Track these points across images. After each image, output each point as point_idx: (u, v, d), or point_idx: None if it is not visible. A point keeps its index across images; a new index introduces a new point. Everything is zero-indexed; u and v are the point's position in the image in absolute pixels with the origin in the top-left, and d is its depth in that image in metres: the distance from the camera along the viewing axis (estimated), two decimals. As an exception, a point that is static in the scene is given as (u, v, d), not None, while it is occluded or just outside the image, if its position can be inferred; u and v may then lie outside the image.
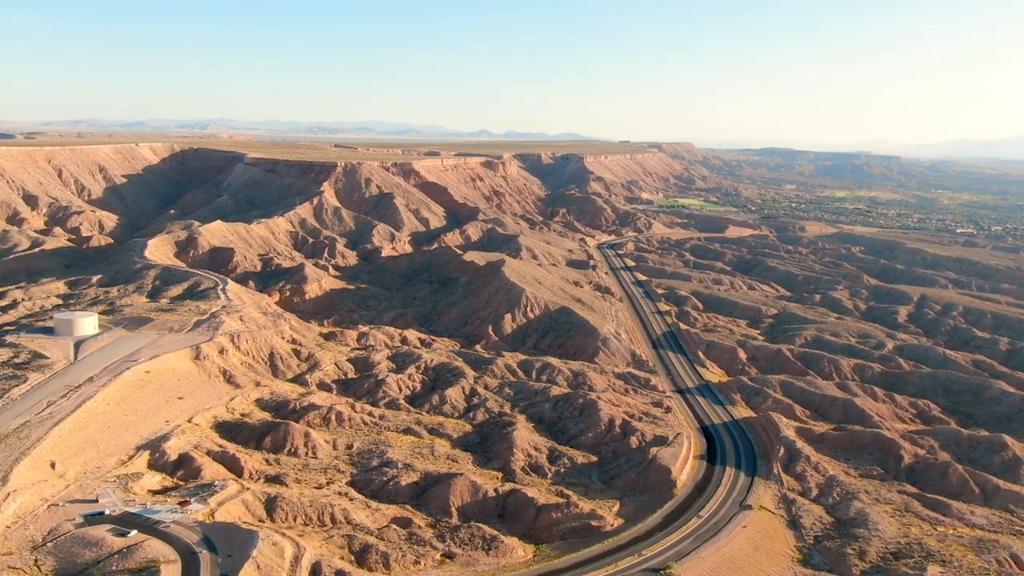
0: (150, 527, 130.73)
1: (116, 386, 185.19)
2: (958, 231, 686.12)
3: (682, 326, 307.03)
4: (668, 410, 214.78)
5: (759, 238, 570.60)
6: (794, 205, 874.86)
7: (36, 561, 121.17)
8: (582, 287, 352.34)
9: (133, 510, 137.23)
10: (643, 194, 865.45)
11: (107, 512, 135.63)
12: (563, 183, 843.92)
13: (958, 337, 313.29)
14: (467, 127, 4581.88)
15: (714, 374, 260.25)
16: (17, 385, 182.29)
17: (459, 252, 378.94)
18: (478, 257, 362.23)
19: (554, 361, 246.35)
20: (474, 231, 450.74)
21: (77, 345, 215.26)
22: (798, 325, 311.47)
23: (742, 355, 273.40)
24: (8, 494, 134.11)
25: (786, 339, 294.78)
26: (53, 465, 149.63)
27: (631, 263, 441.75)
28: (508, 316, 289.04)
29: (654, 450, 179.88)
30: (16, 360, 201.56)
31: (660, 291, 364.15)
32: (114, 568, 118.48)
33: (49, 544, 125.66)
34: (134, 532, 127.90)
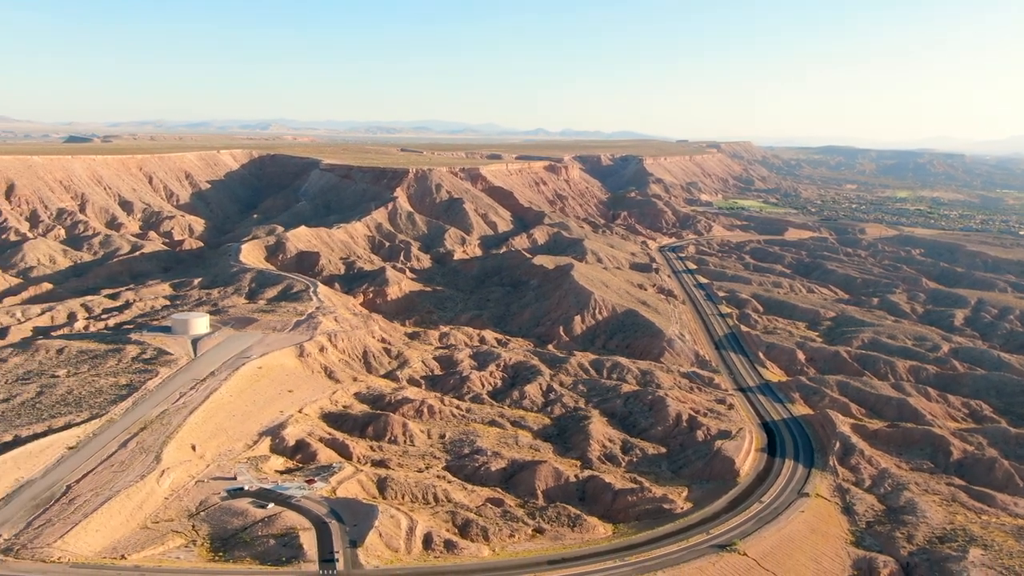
0: (284, 501, 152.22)
1: (235, 380, 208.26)
2: (1021, 232, 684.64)
3: (743, 328, 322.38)
4: (731, 407, 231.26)
5: (818, 241, 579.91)
6: (854, 206, 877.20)
7: (194, 527, 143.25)
8: (646, 290, 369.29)
9: (267, 486, 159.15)
10: (702, 195, 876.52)
11: (246, 488, 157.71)
12: (623, 185, 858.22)
13: (1014, 340, 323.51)
14: (523, 126, 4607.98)
15: (774, 374, 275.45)
16: (151, 378, 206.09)
17: (528, 256, 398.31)
18: (547, 261, 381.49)
19: (623, 361, 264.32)
20: (540, 235, 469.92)
21: (194, 342, 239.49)
22: (856, 328, 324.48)
23: (801, 356, 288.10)
24: (163, 471, 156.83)
25: (844, 341, 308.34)
26: (194, 447, 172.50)
27: (692, 266, 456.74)
28: (578, 318, 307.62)
29: (719, 443, 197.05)
30: (144, 356, 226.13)
31: (721, 294, 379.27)
32: (260, 534, 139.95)
33: (202, 513, 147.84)
34: (271, 505, 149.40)
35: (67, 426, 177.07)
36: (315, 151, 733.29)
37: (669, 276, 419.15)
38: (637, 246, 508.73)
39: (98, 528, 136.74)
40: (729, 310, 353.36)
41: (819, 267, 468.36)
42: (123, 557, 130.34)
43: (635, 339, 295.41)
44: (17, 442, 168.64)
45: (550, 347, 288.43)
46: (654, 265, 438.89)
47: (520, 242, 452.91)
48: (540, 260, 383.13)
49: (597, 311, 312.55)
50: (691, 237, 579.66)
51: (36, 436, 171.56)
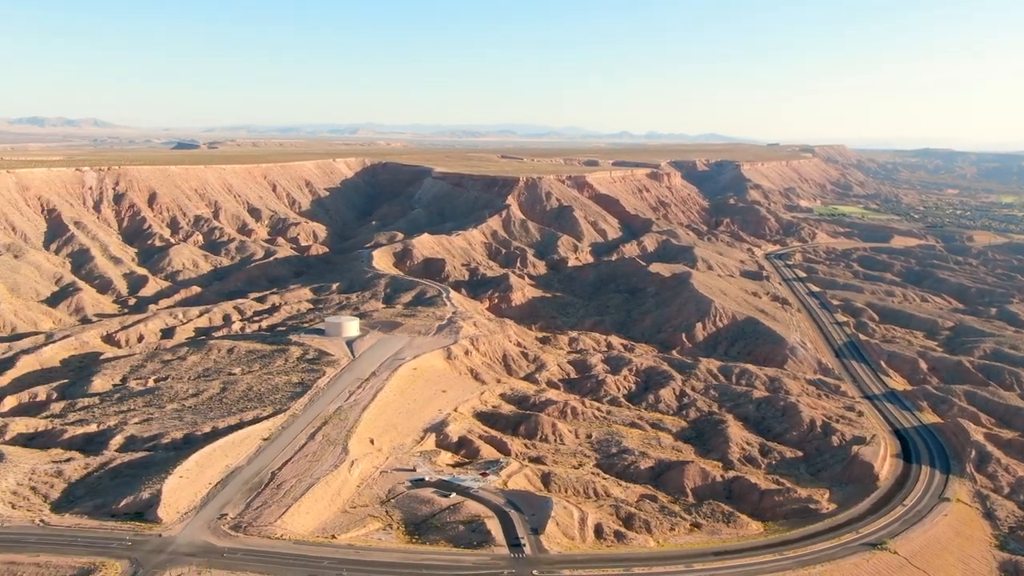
0: (463, 491, 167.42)
1: (395, 380, 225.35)
2: None
3: (862, 337, 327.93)
4: (860, 414, 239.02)
5: (926, 248, 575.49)
6: (959, 212, 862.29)
7: (387, 512, 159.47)
8: (760, 298, 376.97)
9: (445, 478, 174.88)
10: (801, 201, 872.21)
11: (426, 479, 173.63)
12: (720, 191, 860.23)
13: None
14: (607, 128, 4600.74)
15: (897, 383, 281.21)
16: (319, 377, 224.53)
17: (643, 264, 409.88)
18: (663, 269, 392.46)
19: (751, 367, 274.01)
20: (650, 242, 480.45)
21: (349, 344, 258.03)
22: (976, 338, 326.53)
23: (923, 365, 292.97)
24: (352, 462, 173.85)
25: (965, 351, 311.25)
26: (372, 441, 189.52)
27: (802, 274, 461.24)
28: (699, 325, 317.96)
29: (856, 448, 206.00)
30: (307, 356, 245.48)
31: (835, 302, 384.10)
32: (448, 520, 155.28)
33: (392, 500, 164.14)
34: (453, 494, 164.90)
35: (255, 420, 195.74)
36: (421, 158, 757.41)
37: (780, 284, 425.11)
38: (744, 253, 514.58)
39: (307, 511, 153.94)
40: (845, 319, 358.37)
41: (930, 276, 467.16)
42: (333, 537, 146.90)
43: (757, 346, 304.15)
44: (216, 433, 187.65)
45: (673, 353, 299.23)
46: (764, 273, 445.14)
47: (630, 249, 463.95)
48: (656, 268, 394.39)
49: (718, 318, 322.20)
50: (796, 244, 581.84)
51: (231, 428, 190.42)
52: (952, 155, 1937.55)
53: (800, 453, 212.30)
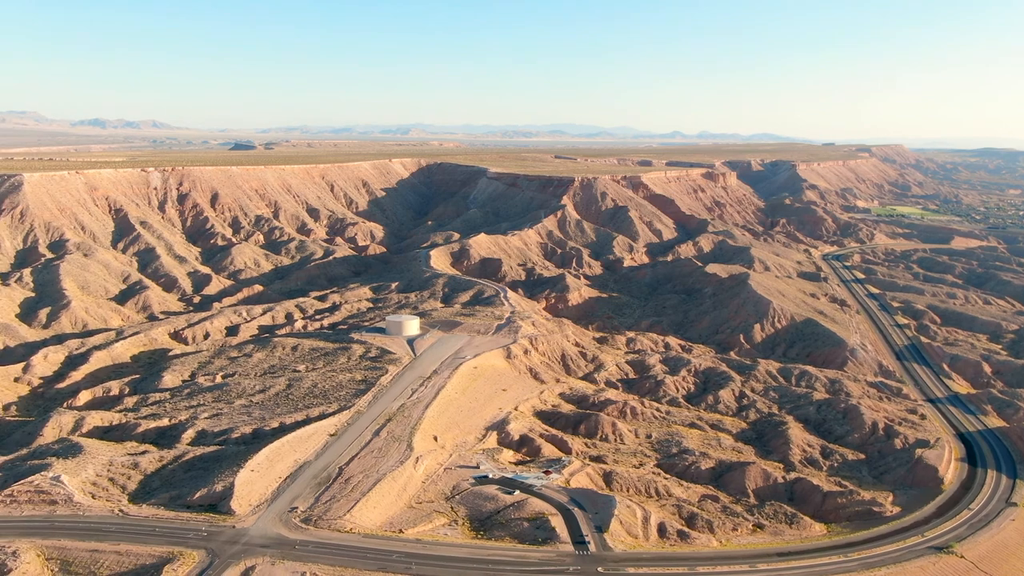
0: (527, 489, 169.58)
1: (457, 379, 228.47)
2: None
3: (923, 339, 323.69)
4: (923, 417, 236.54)
5: (988, 250, 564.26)
6: (1022, 213, 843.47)
7: (452, 508, 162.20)
8: (819, 299, 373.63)
9: (508, 475, 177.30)
10: (858, 202, 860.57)
11: (490, 476, 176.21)
12: (775, 191, 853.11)
13: None
14: (658, 129, 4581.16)
15: (960, 386, 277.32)
16: (383, 375, 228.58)
17: (699, 264, 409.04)
18: (719, 269, 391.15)
19: (811, 369, 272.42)
20: (706, 243, 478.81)
21: (409, 343, 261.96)
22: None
23: (987, 369, 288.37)
24: (417, 458, 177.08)
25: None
26: (435, 438, 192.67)
27: (860, 275, 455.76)
28: (757, 326, 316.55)
29: (919, 451, 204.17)
30: (370, 355, 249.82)
31: (895, 304, 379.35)
32: (513, 516, 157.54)
33: (457, 496, 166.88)
34: (517, 492, 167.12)
35: (321, 416, 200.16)
36: (475, 158, 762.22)
37: (839, 285, 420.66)
38: (801, 254, 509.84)
39: (375, 505, 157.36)
40: (906, 321, 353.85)
41: (992, 278, 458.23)
42: (401, 531, 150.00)
43: (816, 348, 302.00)
44: (283, 429, 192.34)
45: (731, 354, 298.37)
46: (822, 274, 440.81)
47: (686, 250, 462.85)
48: (713, 269, 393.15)
49: (776, 320, 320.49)
50: (853, 245, 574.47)
51: (298, 424, 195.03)
52: (1015, 155, 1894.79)
53: (862, 456, 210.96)
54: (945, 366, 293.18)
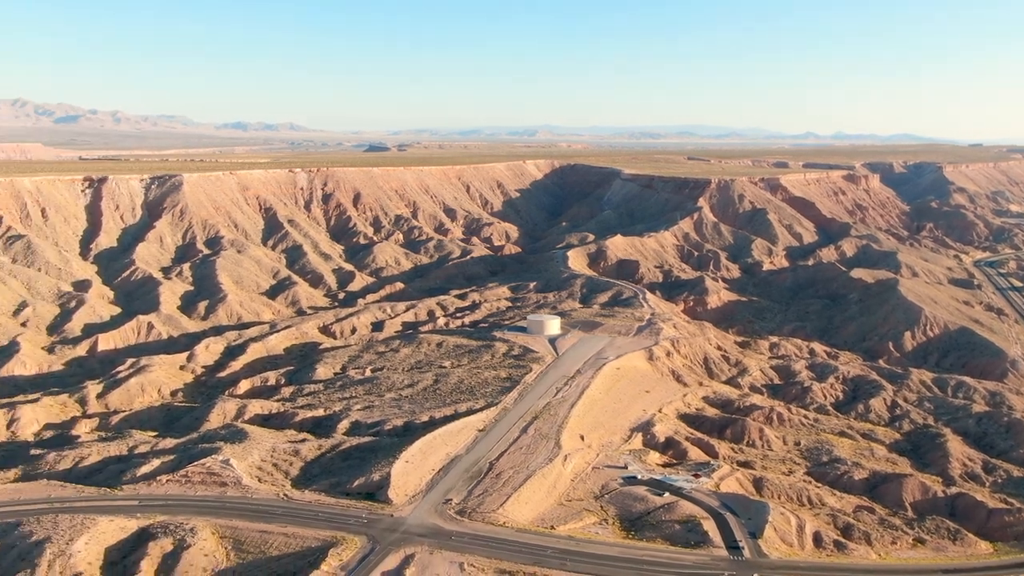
0: (676, 491, 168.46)
1: (600, 379, 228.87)
2: None
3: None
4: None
5: None
6: None
7: (602, 507, 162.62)
8: (973, 307, 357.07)
9: (657, 477, 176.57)
10: (1012, 206, 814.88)
11: (638, 477, 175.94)
12: (919, 194, 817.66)
13: None
14: (790, 129, 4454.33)
15: None
16: (527, 373, 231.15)
17: (843, 269, 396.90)
18: (865, 275, 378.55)
19: (968, 380, 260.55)
20: (848, 247, 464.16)
21: (552, 342, 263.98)
22: None
23: None
24: (566, 456, 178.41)
25: None
26: (582, 437, 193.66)
27: (1018, 283, 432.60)
28: (908, 334, 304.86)
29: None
30: (513, 353, 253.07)
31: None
32: (663, 518, 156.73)
33: (606, 496, 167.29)
34: (667, 494, 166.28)
35: (469, 411, 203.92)
36: (607, 160, 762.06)
37: (994, 293, 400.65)
38: (951, 260, 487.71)
39: (526, 501, 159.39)
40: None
41: None
42: (552, 528, 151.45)
43: (972, 359, 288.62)
44: (433, 423, 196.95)
45: (880, 362, 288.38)
46: (975, 281, 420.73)
47: (828, 254, 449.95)
48: (858, 274, 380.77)
49: (928, 328, 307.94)
50: (1008, 251, 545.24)
51: (447, 419, 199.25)
52: None
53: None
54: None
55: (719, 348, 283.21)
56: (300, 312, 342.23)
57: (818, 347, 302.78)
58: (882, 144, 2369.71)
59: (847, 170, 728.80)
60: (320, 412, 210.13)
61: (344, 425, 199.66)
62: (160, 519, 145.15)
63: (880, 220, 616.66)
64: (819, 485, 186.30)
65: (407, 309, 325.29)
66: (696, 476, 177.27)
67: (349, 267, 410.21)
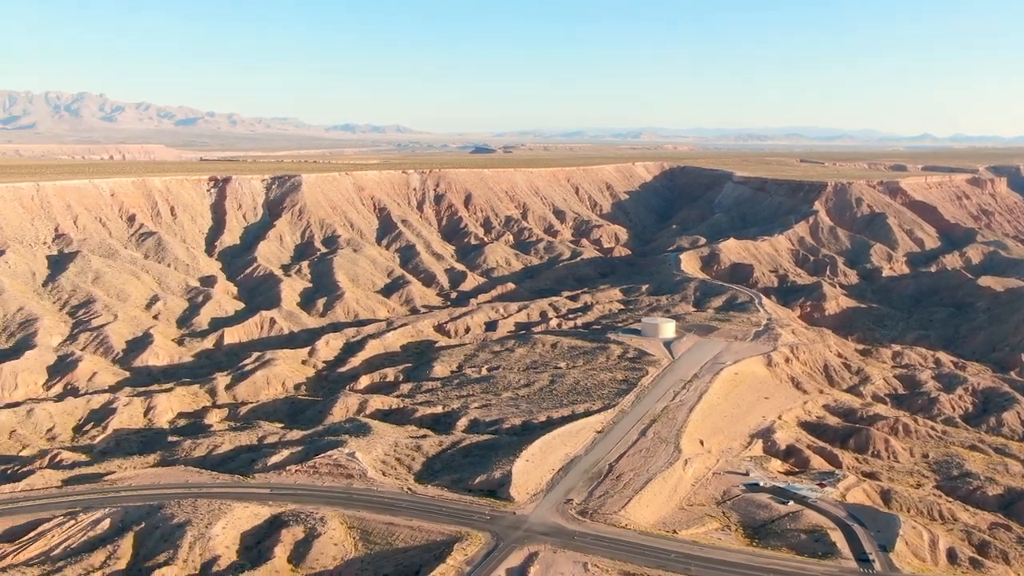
0: (800, 500, 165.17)
1: (719, 384, 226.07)
2: None
3: None
4: None
5: None
6: None
7: (724, 513, 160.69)
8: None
9: (780, 485, 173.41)
10: None
11: (760, 484, 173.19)
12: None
13: None
14: (905, 131, 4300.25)
15: None
16: (643, 376, 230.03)
17: (970, 276, 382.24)
18: (994, 283, 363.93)
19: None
20: (974, 253, 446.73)
21: (667, 345, 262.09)
22: None
23: None
24: (686, 461, 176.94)
25: None
26: (701, 442, 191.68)
27: None
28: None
29: None
30: (628, 355, 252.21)
31: None
32: (788, 527, 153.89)
33: (728, 502, 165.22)
34: (791, 502, 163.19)
35: (587, 413, 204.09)
36: (717, 162, 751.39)
37: None
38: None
39: (647, 504, 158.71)
40: None
41: None
42: (675, 532, 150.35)
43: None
44: (551, 423, 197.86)
45: (1013, 374, 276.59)
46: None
47: (951, 260, 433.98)
48: (986, 281, 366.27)
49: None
50: None
51: (565, 419, 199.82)
52: None
53: None
54: None
55: (839, 355, 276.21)
56: (414, 311, 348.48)
57: (944, 357, 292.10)
58: (1006, 146, 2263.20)
59: (970, 173, 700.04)
60: (439, 409, 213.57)
61: (463, 423, 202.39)
62: (291, 507, 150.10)
63: (1007, 226, 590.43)
64: (950, 500, 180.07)
65: (519, 309, 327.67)
66: (821, 485, 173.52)
67: (461, 267, 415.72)
